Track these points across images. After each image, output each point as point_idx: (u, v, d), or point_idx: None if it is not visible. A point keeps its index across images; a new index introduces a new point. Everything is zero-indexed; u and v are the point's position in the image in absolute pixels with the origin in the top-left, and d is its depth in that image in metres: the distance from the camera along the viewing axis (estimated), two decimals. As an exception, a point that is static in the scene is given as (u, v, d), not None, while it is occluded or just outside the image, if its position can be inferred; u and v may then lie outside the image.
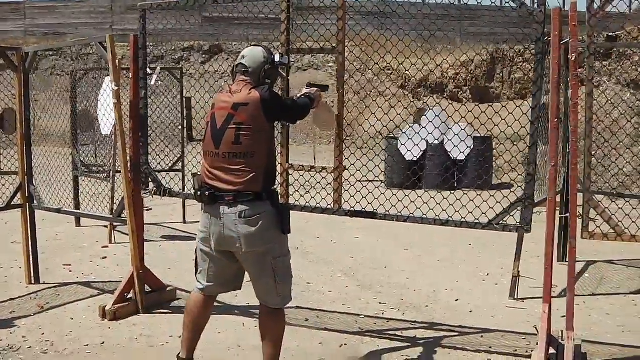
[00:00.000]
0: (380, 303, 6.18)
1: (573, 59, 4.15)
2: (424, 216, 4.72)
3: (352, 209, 4.93)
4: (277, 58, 4.36)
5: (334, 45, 4.79)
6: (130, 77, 5.70)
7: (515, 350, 4.98)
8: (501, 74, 18.98)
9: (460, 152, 11.65)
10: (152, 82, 5.67)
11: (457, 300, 6.26)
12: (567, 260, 7.30)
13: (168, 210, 10.53)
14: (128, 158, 5.74)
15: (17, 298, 6.26)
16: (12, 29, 24.44)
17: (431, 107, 13.47)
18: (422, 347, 5.08)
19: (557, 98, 4.22)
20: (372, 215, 4.80)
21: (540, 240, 7.62)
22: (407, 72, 19.73)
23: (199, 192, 4.17)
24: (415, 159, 12.47)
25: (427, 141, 12.50)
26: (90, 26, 23.26)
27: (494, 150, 13.18)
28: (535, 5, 4.23)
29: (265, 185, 4.10)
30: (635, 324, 5.61)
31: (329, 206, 5.03)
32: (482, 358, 4.89)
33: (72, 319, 5.72)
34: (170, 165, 9.63)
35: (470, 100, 19.32)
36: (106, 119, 7.85)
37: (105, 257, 7.78)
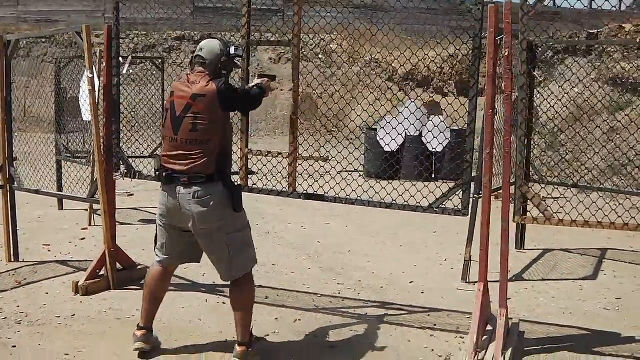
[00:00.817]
0: (338, 284, 6.51)
1: (506, 54, 4.47)
2: (370, 199, 5.06)
3: (305, 191, 5.27)
4: (232, 50, 4.68)
5: (289, 38, 5.11)
6: (104, 65, 6.02)
7: (458, 328, 5.30)
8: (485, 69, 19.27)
9: (439, 144, 11.93)
10: (124, 71, 5.97)
11: (411, 282, 6.58)
12: (523, 247, 7.74)
13: (149, 195, 10.83)
14: (101, 142, 6.07)
15: (-5, 274, 6.58)
16: (4, 15, 24.70)
17: (412, 100, 13.76)
18: (371, 323, 5.41)
19: (492, 91, 4.54)
20: (322, 197, 5.14)
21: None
22: (393, 65, 20.11)
23: (157, 173, 4.58)
24: (392, 150, 12.77)
25: (405, 133, 12.82)
26: (82, 13, 23.52)
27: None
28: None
29: (217, 168, 4.46)
30: (577, 307, 5.94)
31: (284, 189, 5.37)
32: (425, 334, 5.21)
33: (47, 293, 6.03)
34: (151, 151, 9.92)
35: (455, 94, 19.64)
36: (87, 105, 8.15)
37: (84, 239, 8.08)
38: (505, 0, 4.48)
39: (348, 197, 5.11)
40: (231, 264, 4.52)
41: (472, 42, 4.59)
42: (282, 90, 19.77)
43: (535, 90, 14.71)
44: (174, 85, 4.62)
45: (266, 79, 4.95)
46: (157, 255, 4.80)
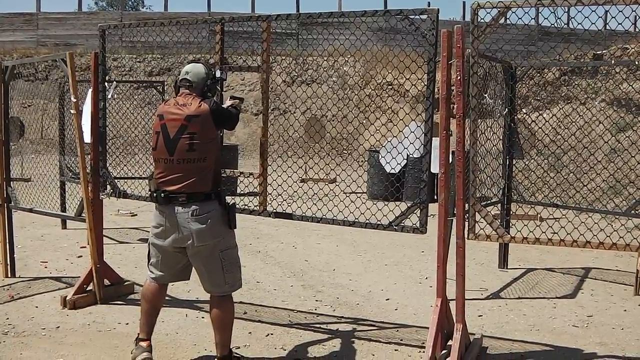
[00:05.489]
0: (316, 300, 6.71)
1: (458, 78, 4.68)
2: (335, 218, 5.27)
3: (275, 210, 5.50)
4: (217, 74, 4.99)
5: (258, 64, 5.36)
6: (91, 90, 6.33)
7: (422, 343, 5.42)
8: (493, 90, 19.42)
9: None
10: (109, 95, 6.26)
11: (387, 299, 6.76)
12: (506, 266, 7.89)
13: (151, 216, 11.07)
14: (88, 163, 6.37)
15: (-9, 289, 6.88)
16: (24, 39, 25.35)
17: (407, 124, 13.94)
18: (340, 338, 5.60)
19: (446, 113, 4.74)
20: (289, 216, 5.36)
21: (489, 248, 8.17)
22: (404, 87, 20.34)
23: (154, 194, 4.73)
24: (395, 171, 12.95)
25: (407, 154, 13.01)
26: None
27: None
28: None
29: (213, 186, 4.67)
30: (545, 324, 6.07)
31: (255, 208, 5.59)
32: (390, 348, 5.38)
33: (37, 307, 6.31)
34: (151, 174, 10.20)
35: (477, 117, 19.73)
36: (87, 127, 8.45)
37: (81, 256, 8.34)
38: (456, 26, 4.69)
39: (314, 215, 5.32)
40: (224, 279, 4.72)
41: (427, 66, 4.79)
42: (294, 113, 20.04)
43: (537, 113, 14.89)
44: (162, 109, 4.79)
45: (237, 100, 5.17)
46: (151, 272, 4.98)
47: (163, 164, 4.68)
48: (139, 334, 5.03)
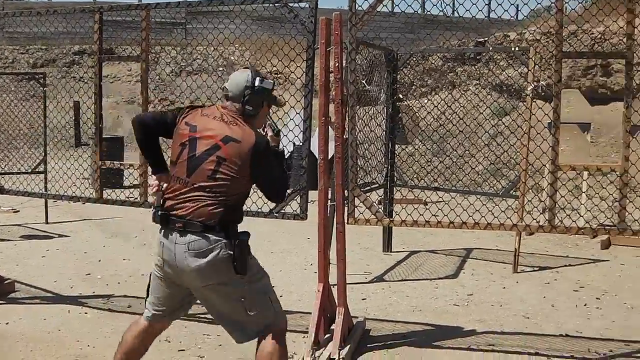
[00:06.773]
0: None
1: (336, 65, 4.75)
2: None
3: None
4: (256, 82, 3.79)
5: (138, 53, 5.28)
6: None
7: (307, 329, 5.43)
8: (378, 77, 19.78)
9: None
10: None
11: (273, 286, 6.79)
12: (390, 249, 8.06)
13: (35, 212, 10.77)
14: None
15: None
16: None
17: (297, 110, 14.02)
18: (216, 326, 5.56)
19: (324, 99, 4.82)
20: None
21: (374, 233, 8.31)
22: (293, 75, 20.42)
23: (153, 210, 3.80)
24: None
25: (293, 143, 13.03)
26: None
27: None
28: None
29: (222, 218, 3.63)
30: (426, 304, 6.27)
31: (136, 199, 5.52)
32: (273, 334, 5.42)
33: None
34: (33, 167, 9.88)
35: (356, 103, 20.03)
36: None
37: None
38: (334, 13, 4.76)
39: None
40: (251, 324, 3.73)
41: (306, 53, 4.84)
42: (183, 103, 19.84)
43: (426, 99, 15.25)
44: (197, 117, 3.78)
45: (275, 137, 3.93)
46: (147, 309, 3.93)
47: (177, 184, 3.72)
48: None
